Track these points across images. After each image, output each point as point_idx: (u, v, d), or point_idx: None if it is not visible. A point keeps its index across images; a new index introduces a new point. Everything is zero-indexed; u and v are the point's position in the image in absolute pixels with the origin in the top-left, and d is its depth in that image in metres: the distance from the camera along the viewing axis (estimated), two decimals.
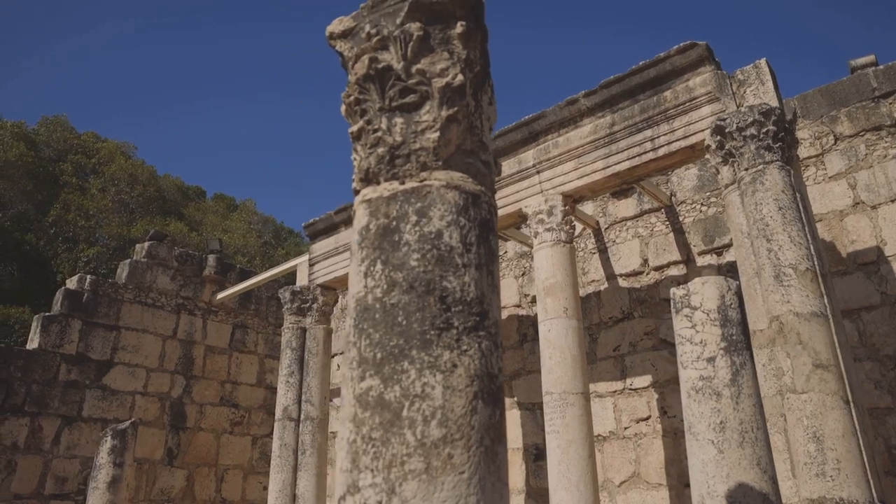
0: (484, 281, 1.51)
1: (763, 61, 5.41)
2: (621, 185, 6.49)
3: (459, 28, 1.63)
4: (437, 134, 1.58)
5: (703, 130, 5.47)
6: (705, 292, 3.02)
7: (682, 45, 5.66)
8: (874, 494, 4.15)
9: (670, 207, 7.63)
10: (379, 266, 1.49)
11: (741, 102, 5.37)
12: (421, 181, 1.56)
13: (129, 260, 10.26)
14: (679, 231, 7.51)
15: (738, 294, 3.06)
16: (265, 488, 10.84)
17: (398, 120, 1.61)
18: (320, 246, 8.81)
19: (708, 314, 2.97)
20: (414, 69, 1.61)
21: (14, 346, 9.08)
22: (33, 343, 8.98)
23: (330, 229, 8.71)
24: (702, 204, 7.42)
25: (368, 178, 1.64)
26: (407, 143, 1.59)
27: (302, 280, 8.96)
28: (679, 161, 5.88)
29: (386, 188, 1.58)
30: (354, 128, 1.67)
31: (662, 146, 5.71)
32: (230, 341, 11.01)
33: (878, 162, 6.32)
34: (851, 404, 4.37)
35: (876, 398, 5.81)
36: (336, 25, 1.78)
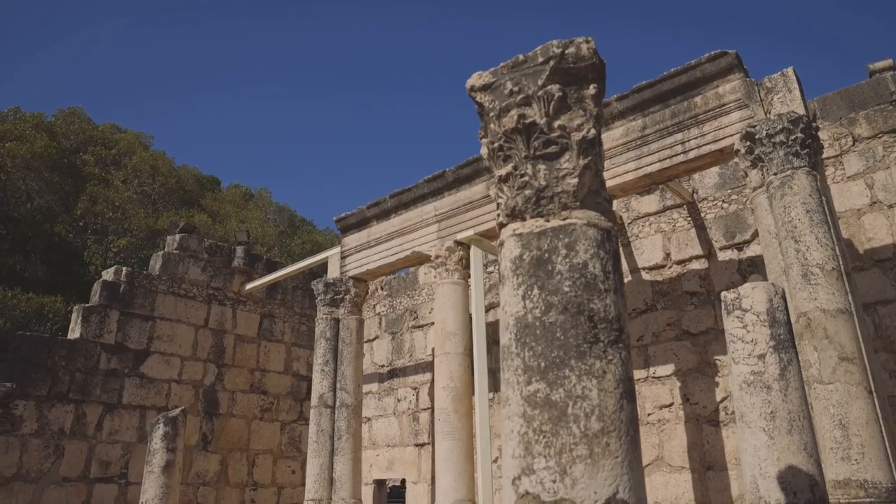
0: (619, 302, 1.85)
1: (790, 70, 5.72)
2: (651, 186, 6.82)
3: (592, 90, 1.95)
4: (576, 179, 1.91)
5: (732, 135, 5.78)
6: (755, 296, 3.36)
7: (712, 53, 5.95)
8: (895, 476, 4.52)
9: (692, 204, 7.95)
10: (536, 291, 1.82)
11: (769, 109, 5.68)
12: (563, 219, 1.88)
13: (162, 252, 10.58)
14: (701, 227, 7.84)
15: (784, 298, 3.40)
16: (293, 472, 11.26)
17: (541, 167, 1.94)
18: (352, 239, 9.12)
19: (758, 316, 3.31)
20: (555, 124, 1.93)
21: (58, 336, 9.43)
22: (74, 333, 9.32)
23: (362, 223, 9.02)
24: (723, 201, 7.75)
25: (515, 215, 1.97)
26: (550, 187, 1.92)
27: (333, 272, 9.29)
28: (708, 163, 6.20)
29: (534, 224, 1.91)
30: (503, 172, 2.00)
31: (693, 149, 6.02)
32: (258, 330, 11.36)
33: (894, 163, 6.64)
34: (874, 394, 4.74)
35: (891, 387, 6.16)
36: (476, 80, 2.10)
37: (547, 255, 1.84)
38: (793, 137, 5.31)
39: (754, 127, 5.51)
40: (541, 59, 1.96)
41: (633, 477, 1.67)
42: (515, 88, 1.98)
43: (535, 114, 1.94)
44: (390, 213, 8.71)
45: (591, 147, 1.95)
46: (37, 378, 8.72)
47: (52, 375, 8.87)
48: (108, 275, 10.00)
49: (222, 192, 19.73)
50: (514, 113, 1.96)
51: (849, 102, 7.08)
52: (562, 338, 1.75)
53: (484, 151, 2.10)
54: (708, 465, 7.09)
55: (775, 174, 5.35)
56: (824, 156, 7.03)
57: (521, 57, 2.01)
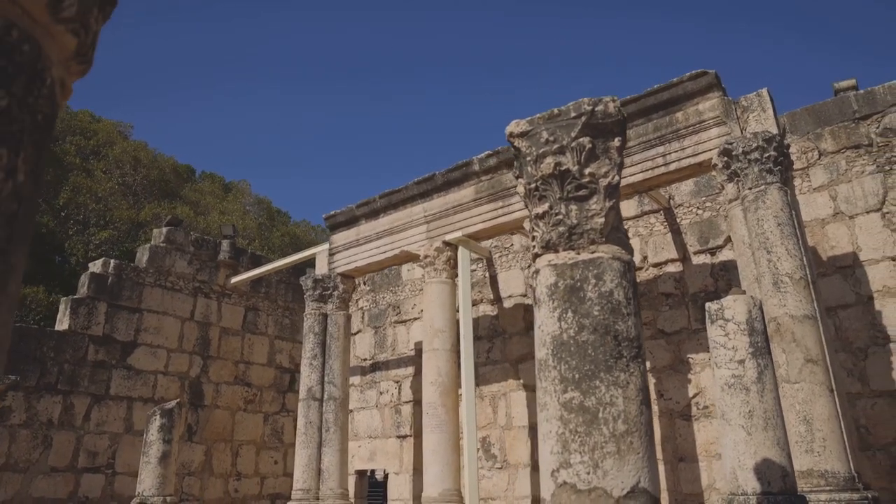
0: (638, 323, 2.19)
1: (765, 91, 6.15)
2: (633, 195, 7.21)
3: (617, 142, 2.29)
4: (603, 219, 2.25)
5: (710, 150, 6.20)
6: (736, 307, 3.75)
7: (693, 72, 6.36)
8: (851, 466, 5.01)
9: (668, 210, 8.40)
10: (570, 314, 2.16)
11: (744, 127, 6.11)
12: (592, 253, 2.22)
13: (149, 244, 10.69)
14: (676, 231, 8.29)
15: (761, 309, 3.80)
16: (276, 462, 11.50)
17: (573, 207, 2.27)
18: (341, 237, 9.37)
19: (738, 325, 3.70)
20: (586, 171, 2.27)
21: (46, 328, 9.51)
22: (63, 325, 9.41)
23: (351, 221, 9.28)
24: (698, 208, 8.20)
25: (549, 247, 2.30)
26: (581, 225, 2.25)
27: (321, 268, 9.53)
28: (687, 175, 6.61)
29: (566, 256, 2.25)
30: (539, 210, 2.32)
31: (673, 162, 6.43)
32: (243, 323, 11.55)
33: (856, 177, 7.15)
34: (834, 392, 5.21)
35: (848, 384, 6.69)
36: (514, 127, 2.42)
37: (579, 283, 2.18)
38: (766, 155, 5.74)
39: (731, 144, 5.93)
40: (573, 114, 2.28)
41: (651, 469, 2.02)
42: (551, 138, 2.31)
43: (568, 161, 2.28)
44: (379, 213, 8.98)
45: (615, 191, 2.29)
46: (25, 369, 8.81)
47: (41, 366, 8.97)
48: (95, 267, 10.09)
49: (197, 182, 19.71)
50: (550, 160, 2.29)
51: (816, 118, 7.57)
52: (592, 354, 2.09)
53: (521, 190, 2.43)
54: (680, 457, 7.56)
55: (750, 188, 5.78)
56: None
57: (555, 110, 2.33)
